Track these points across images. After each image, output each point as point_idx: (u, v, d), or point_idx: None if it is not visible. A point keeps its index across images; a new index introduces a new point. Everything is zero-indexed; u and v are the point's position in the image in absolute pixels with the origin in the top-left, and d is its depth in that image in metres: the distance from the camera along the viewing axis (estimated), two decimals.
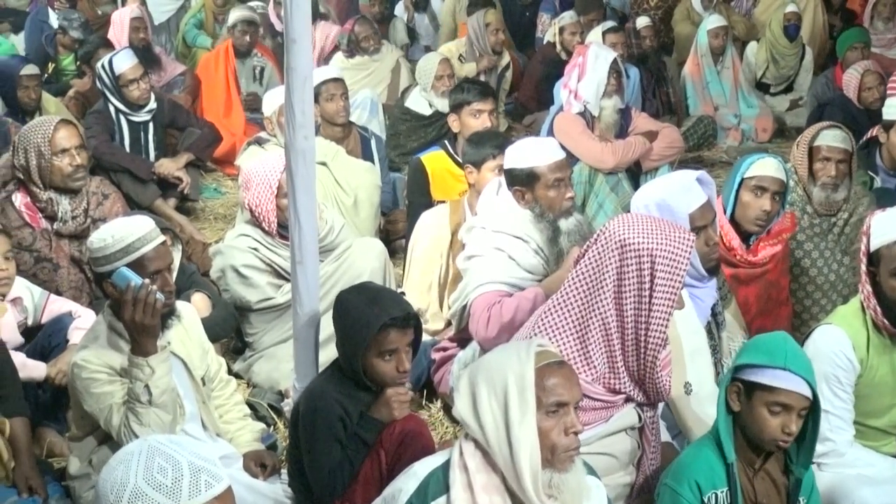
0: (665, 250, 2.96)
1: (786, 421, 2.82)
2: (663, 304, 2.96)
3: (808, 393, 2.82)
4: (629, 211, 5.38)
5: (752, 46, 8.96)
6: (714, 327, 3.63)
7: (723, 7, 9.84)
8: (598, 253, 3.02)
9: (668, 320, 2.99)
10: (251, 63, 8.04)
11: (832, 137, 4.52)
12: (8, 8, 10.51)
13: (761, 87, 8.83)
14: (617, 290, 2.99)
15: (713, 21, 8.46)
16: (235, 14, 8.12)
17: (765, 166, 4.13)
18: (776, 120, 8.45)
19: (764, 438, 2.86)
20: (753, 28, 9.96)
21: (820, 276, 4.49)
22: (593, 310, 3.02)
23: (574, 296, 3.05)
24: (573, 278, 3.08)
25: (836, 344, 3.38)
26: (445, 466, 2.54)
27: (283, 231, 4.42)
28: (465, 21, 8.90)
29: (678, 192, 3.48)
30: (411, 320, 3.20)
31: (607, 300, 3.00)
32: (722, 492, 2.87)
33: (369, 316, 3.11)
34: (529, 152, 3.99)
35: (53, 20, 9.16)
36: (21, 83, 6.45)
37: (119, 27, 8.18)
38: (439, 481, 2.52)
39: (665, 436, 3.38)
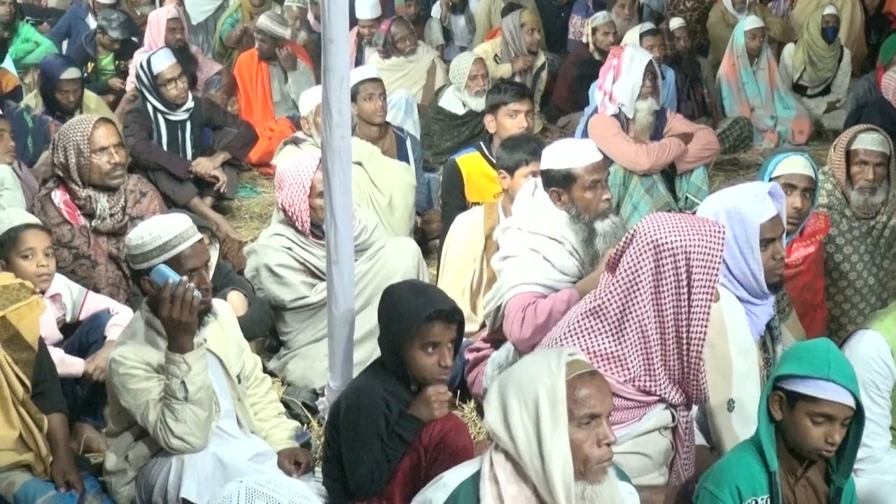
0: (699, 245, 2.97)
1: (829, 431, 2.79)
2: (702, 300, 2.97)
3: (852, 402, 2.80)
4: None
5: (789, 48, 8.91)
6: (769, 341, 3.59)
7: (758, 8, 9.79)
8: (633, 255, 3.02)
9: (707, 315, 2.99)
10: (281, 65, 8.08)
11: (870, 141, 4.49)
12: (49, 8, 10.63)
13: (798, 89, 8.77)
14: (655, 291, 3.00)
15: (750, 22, 8.41)
16: (256, 21, 8.17)
17: (792, 164, 4.13)
18: (813, 122, 8.39)
19: (807, 448, 2.84)
20: (790, 29, 9.89)
21: (859, 280, 4.45)
22: (630, 312, 3.02)
23: (609, 299, 3.05)
24: (609, 282, 3.07)
25: (875, 349, 3.35)
26: (476, 478, 2.53)
27: (316, 231, 4.44)
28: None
29: (751, 201, 3.42)
30: (456, 315, 3.21)
31: (645, 302, 3.00)
32: (762, 499, 2.84)
33: (416, 306, 3.14)
34: (566, 153, 3.97)
35: (91, 21, 9.27)
36: (61, 87, 6.36)
37: (156, 28, 8.24)
38: (469, 494, 2.51)
39: (700, 439, 3.36)
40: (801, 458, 2.89)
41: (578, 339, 3.06)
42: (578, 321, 3.09)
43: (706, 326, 3.00)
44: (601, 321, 3.05)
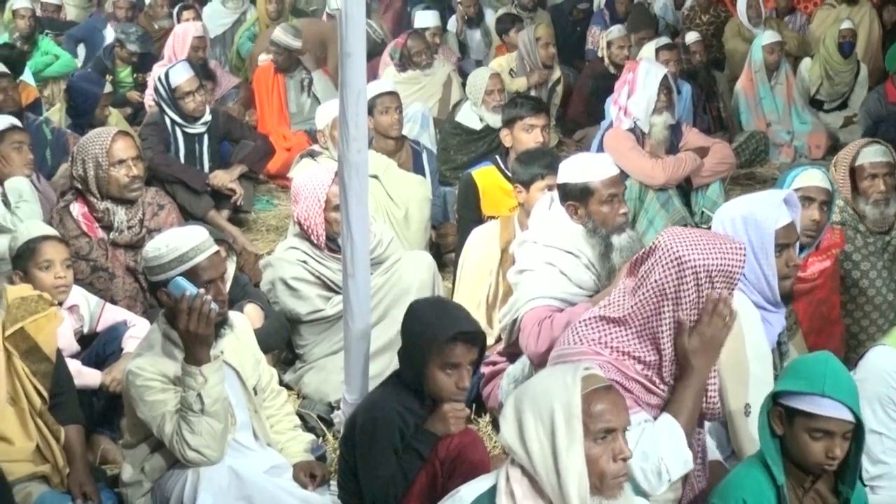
0: (722, 265, 2.93)
1: (829, 445, 2.77)
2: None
3: (850, 417, 2.77)
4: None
5: (805, 63, 8.89)
6: (777, 357, 3.57)
7: (774, 23, 9.78)
8: (655, 271, 2.96)
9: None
10: (299, 76, 8.11)
11: (873, 153, 4.48)
12: (68, 21, 10.72)
13: (815, 103, 8.75)
14: (675, 307, 2.94)
15: (768, 37, 8.41)
16: (273, 33, 8.21)
17: (809, 177, 4.15)
18: (830, 136, 8.36)
19: (808, 462, 2.83)
20: (806, 44, 9.88)
21: (878, 296, 4.43)
22: (651, 325, 2.97)
23: (633, 313, 2.99)
24: (629, 293, 3.02)
25: (891, 364, 3.35)
26: (492, 492, 2.53)
27: (331, 244, 4.46)
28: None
29: (766, 207, 3.41)
30: (479, 338, 3.21)
31: (667, 317, 2.95)
32: None
33: (439, 325, 3.14)
34: (584, 167, 3.98)
35: (109, 33, 9.34)
36: (101, 102, 6.62)
37: (180, 42, 8.24)
38: None
39: (715, 454, 3.35)
40: (808, 470, 2.87)
41: (593, 334, 3.02)
42: (595, 324, 3.05)
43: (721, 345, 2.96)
44: (620, 327, 3.02)
